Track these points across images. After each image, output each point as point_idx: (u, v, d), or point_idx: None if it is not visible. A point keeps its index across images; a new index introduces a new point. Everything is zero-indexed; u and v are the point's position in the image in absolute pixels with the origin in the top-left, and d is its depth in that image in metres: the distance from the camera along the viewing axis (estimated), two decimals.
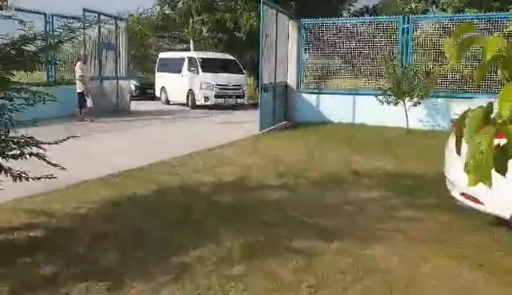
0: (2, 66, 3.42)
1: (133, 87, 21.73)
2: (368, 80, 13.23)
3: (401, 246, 4.05)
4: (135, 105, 17.40)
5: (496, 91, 11.26)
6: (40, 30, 3.63)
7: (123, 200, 5.36)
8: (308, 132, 11.41)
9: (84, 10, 12.76)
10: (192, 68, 17.93)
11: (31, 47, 3.52)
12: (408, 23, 12.36)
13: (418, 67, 11.44)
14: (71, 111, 12.70)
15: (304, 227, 4.46)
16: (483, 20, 11.66)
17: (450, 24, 12.17)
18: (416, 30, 12.34)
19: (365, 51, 13.05)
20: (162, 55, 21.12)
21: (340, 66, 13.79)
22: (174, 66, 18.96)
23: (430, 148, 9.24)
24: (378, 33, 12.75)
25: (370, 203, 5.41)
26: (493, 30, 11.54)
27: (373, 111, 12.05)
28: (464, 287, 3.40)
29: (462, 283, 3.45)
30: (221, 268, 3.54)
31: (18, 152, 3.67)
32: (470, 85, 11.77)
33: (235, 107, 17.59)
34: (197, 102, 17.46)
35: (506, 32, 11.15)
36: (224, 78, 17.61)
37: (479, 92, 11.52)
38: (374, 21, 13.17)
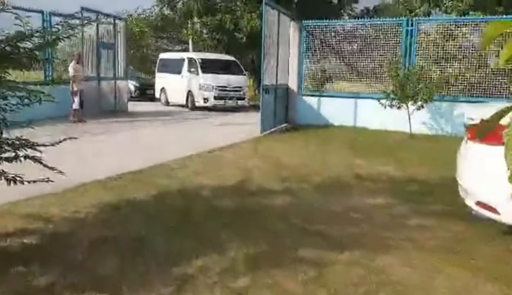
0: None
1: (132, 88, 21.57)
2: (370, 83, 13.07)
3: (413, 256, 3.87)
4: (134, 106, 17.24)
5: (504, 95, 11.15)
6: (37, 27, 3.42)
7: (122, 204, 5.18)
8: (309, 135, 11.24)
9: (82, 8, 12.53)
10: (192, 69, 17.71)
11: (27, 44, 3.34)
12: (411, 25, 12.21)
13: (422, 70, 11.27)
14: (67, 112, 12.46)
15: (310, 235, 4.28)
16: (488, 24, 11.48)
17: (454, 27, 12.02)
18: (419, 33, 12.20)
19: (367, 54, 12.90)
20: (163, 55, 20.91)
21: (342, 69, 13.63)
22: (174, 67, 18.73)
23: (434, 153, 9.10)
24: (381, 36, 12.59)
25: (377, 209, 5.24)
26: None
27: (375, 115, 11.90)
28: None
29: None
30: (225, 279, 3.35)
31: (13, 154, 3.48)
32: (475, 89, 11.61)
33: (235, 109, 17.37)
34: (196, 104, 17.25)
35: None
36: (224, 79, 17.36)
37: (484, 96, 11.38)
38: (377, 23, 13.00)
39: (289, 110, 13.61)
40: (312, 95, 13.63)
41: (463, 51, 11.82)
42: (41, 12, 12.86)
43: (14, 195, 4.53)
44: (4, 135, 3.53)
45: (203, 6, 19.84)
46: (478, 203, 4.14)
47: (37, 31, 3.38)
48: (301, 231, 4.41)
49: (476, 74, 11.68)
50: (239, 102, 17.63)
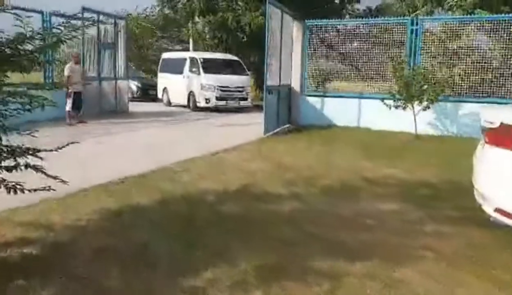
0: None
1: (134, 88, 21.36)
2: (374, 83, 12.90)
3: (431, 266, 3.71)
4: (135, 107, 17.11)
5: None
6: (38, 28, 3.24)
7: (124, 210, 5.00)
8: (313, 136, 11.08)
9: (83, 8, 12.38)
10: (193, 69, 17.44)
11: (28, 46, 3.18)
12: (416, 24, 12.04)
13: (428, 69, 11.10)
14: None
15: (322, 243, 4.11)
16: (494, 22, 11.32)
17: (459, 26, 11.85)
18: (424, 32, 12.02)
19: (371, 54, 12.73)
20: (165, 55, 20.61)
21: (345, 68, 13.46)
22: (176, 67, 18.44)
23: (441, 154, 8.95)
24: (385, 35, 12.42)
25: (389, 215, 5.07)
26: (502, 32, 11.25)
27: (379, 115, 11.72)
28: None
29: None
30: (236, 293, 3.18)
31: (13, 163, 3.30)
32: (481, 89, 11.44)
33: (238, 109, 17.10)
34: (198, 105, 16.98)
35: None
36: (227, 79, 17.05)
37: (491, 96, 11.23)
38: (381, 23, 12.82)
39: (292, 111, 13.45)
40: (315, 96, 13.47)
41: (468, 50, 11.66)
42: (41, 12, 12.65)
43: (13, 201, 4.33)
44: (4, 140, 3.35)
45: (205, 5, 19.62)
46: (497, 210, 3.96)
47: (38, 33, 3.20)
48: (312, 239, 4.24)
49: (482, 74, 11.51)
50: (242, 102, 17.33)
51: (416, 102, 10.71)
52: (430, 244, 4.21)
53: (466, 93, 11.60)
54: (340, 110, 12.92)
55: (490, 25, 11.35)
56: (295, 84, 13.51)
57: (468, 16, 12.54)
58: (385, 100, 11.02)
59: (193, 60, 17.75)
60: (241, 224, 4.60)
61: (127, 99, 16.52)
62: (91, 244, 3.99)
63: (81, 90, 12.63)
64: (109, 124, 12.56)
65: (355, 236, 4.33)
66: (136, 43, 26.04)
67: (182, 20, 22.88)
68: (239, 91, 17.26)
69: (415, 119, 10.88)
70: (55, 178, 3.52)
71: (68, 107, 12.20)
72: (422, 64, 11.52)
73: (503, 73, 11.32)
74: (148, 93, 21.35)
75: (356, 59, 13.05)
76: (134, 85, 21.46)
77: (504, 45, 11.26)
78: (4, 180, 3.40)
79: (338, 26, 13.73)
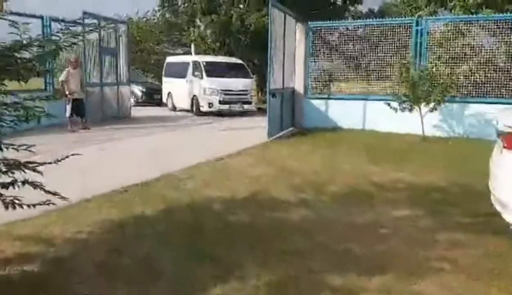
0: None
1: (139, 93, 21.16)
2: (379, 85, 12.72)
3: (450, 279, 3.53)
4: (139, 112, 16.96)
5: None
6: (36, 35, 3.06)
7: (128, 221, 4.84)
8: (318, 139, 10.90)
9: (84, 13, 12.24)
10: (196, 73, 17.13)
11: (25, 54, 3.02)
12: (421, 25, 11.87)
13: (435, 70, 10.92)
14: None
15: (335, 256, 3.94)
16: (500, 22, 11.14)
17: (465, 26, 11.67)
18: (430, 33, 11.85)
19: (375, 55, 12.55)
20: (169, 59, 20.27)
21: (349, 70, 13.29)
22: (180, 71, 18.10)
23: (450, 156, 8.78)
24: (390, 36, 12.24)
25: (403, 223, 4.89)
26: (509, 31, 11.07)
27: (384, 117, 11.53)
28: None
29: None
30: None
31: (9, 179, 3.14)
32: (488, 90, 11.25)
33: (242, 113, 16.81)
34: (201, 109, 16.66)
35: None
36: (230, 83, 16.70)
37: (498, 96, 11.06)
38: (386, 24, 12.65)
39: (295, 114, 13.29)
40: (319, 98, 13.30)
41: (475, 50, 11.48)
42: (41, 18, 12.50)
43: (12, 213, 4.17)
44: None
45: (206, 5, 19.43)
46: None
47: (36, 40, 3.04)
48: (323, 250, 4.07)
49: (489, 74, 11.33)
50: (246, 106, 16.96)
51: (423, 104, 10.53)
52: (446, 254, 4.04)
53: (472, 93, 11.40)
54: (344, 113, 12.75)
55: (495, 24, 11.16)
56: (299, 87, 13.35)
57: (474, 16, 12.35)
58: (391, 103, 10.83)
59: (196, 64, 17.45)
60: (249, 234, 4.43)
61: (129, 104, 16.36)
62: (94, 258, 3.83)
63: (81, 96, 12.42)
64: (112, 130, 12.41)
65: (368, 247, 4.16)
66: (138, 47, 25.90)
67: (183, 23, 22.71)
68: (243, 94, 16.91)
69: (422, 121, 10.70)
70: (54, 194, 3.35)
71: (68, 113, 12.04)
72: (428, 65, 11.33)
73: (510, 73, 11.14)
74: (152, 97, 21.05)
75: (360, 61, 12.88)
76: (138, 90, 21.26)
77: (510, 45, 11.08)
78: (1, 195, 3.23)
79: (341, 27, 13.57)
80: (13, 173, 3.17)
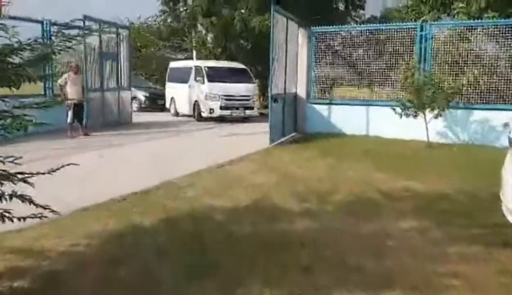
0: None
1: (142, 98, 21.01)
2: (383, 90, 12.55)
3: None
4: (141, 117, 16.87)
5: None
6: (27, 38, 2.88)
7: (126, 232, 4.67)
8: (321, 145, 10.73)
9: (85, 17, 12.09)
10: (198, 78, 16.89)
11: (15, 59, 2.85)
12: (426, 30, 11.70)
13: (440, 76, 10.74)
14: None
15: (342, 271, 3.75)
16: (504, 27, 10.98)
17: (470, 31, 11.51)
18: (434, 38, 11.68)
19: (379, 60, 12.38)
20: (172, 64, 20.09)
21: (352, 75, 13.11)
22: (183, 76, 17.88)
23: (456, 164, 8.60)
24: (394, 41, 12.08)
25: (411, 235, 4.70)
26: None
27: (388, 123, 11.37)
28: None
29: None
30: None
31: None
32: (493, 96, 11.07)
33: (244, 118, 16.57)
34: (203, 114, 16.44)
35: None
36: (232, 88, 16.42)
37: (503, 102, 10.89)
38: (389, 29, 12.49)
39: (298, 119, 13.13)
40: (321, 103, 13.14)
41: (480, 55, 11.31)
42: (41, 22, 12.35)
43: (4, 224, 4.01)
44: None
45: (207, 6, 19.24)
46: None
47: (27, 44, 2.87)
48: (329, 265, 3.88)
49: (494, 80, 11.15)
50: (248, 112, 16.67)
51: (428, 110, 10.35)
52: (457, 269, 3.86)
53: (476, 100, 11.22)
54: (347, 118, 12.59)
55: (500, 29, 11.00)
56: (301, 92, 13.20)
57: (479, 21, 12.20)
58: (396, 109, 10.67)
59: (197, 69, 17.24)
60: (252, 247, 4.24)
61: (130, 110, 16.22)
62: (90, 273, 3.66)
63: (82, 102, 12.27)
64: (112, 136, 12.25)
65: (376, 261, 3.97)
66: (140, 53, 25.77)
67: (185, 28, 22.56)
68: (245, 100, 16.62)
69: (426, 127, 10.52)
70: (44, 207, 3.17)
71: (69, 119, 11.90)
72: (432, 71, 11.16)
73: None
74: (156, 103, 20.82)
75: (364, 66, 12.71)
76: (141, 95, 21.11)
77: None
78: None
79: (344, 32, 13.41)
80: (1, 184, 2.99)
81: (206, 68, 16.89)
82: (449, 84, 10.78)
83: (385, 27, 12.78)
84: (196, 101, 16.83)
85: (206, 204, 5.78)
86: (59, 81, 12.04)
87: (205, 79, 16.49)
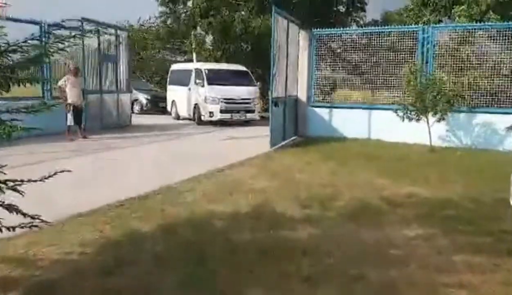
0: None
1: (144, 101, 20.88)
2: (385, 93, 12.42)
3: None
4: (141, 120, 16.71)
5: None
6: (15, 40, 2.75)
7: (124, 239, 4.52)
8: (322, 149, 10.58)
9: (83, 19, 11.99)
10: (198, 81, 16.63)
11: (3, 61, 2.72)
12: (428, 33, 11.58)
13: (443, 79, 10.61)
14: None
15: (346, 282, 3.60)
16: (507, 30, 10.85)
17: (473, 34, 11.39)
18: (436, 41, 11.56)
19: (381, 63, 12.25)
20: (174, 67, 19.86)
21: (354, 78, 12.98)
22: (183, 79, 17.61)
23: (461, 169, 8.46)
24: (395, 44, 11.96)
25: (415, 243, 4.56)
26: None
27: (390, 126, 11.25)
28: None
29: None
30: None
31: None
32: (497, 99, 10.94)
33: (245, 122, 16.29)
34: (202, 118, 16.19)
35: None
36: (232, 91, 16.14)
37: (503, 106, 10.76)
38: (391, 31, 12.37)
39: (299, 123, 13.01)
40: (322, 106, 13.03)
41: (482, 58, 11.19)
42: (39, 23, 12.22)
43: None
44: None
45: (205, 7, 19.11)
46: None
47: (16, 45, 2.73)
48: (333, 275, 3.74)
49: (496, 83, 11.02)
50: (249, 115, 16.34)
51: (431, 114, 10.22)
52: (464, 279, 3.72)
53: (479, 103, 11.09)
54: (349, 122, 12.46)
55: (503, 32, 10.87)
56: (302, 95, 13.08)
57: (482, 24, 12.09)
58: (398, 112, 10.54)
59: (197, 71, 16.98)
60: (253, 256, 4.09)
61: (129, 112, 16.08)
62: (84, 284, 3.51)
63: (81, 104, 12.16)
64: (110, 139, 12.12)
65: (380, 271, 3.83)
66: (139, 55, 25.66)
67: (184, 30, 22.43)
68: (246, 103, 16.30)
69: (429, 131, 10.39)
70: (33, 217, 3.02)
71: (68, 122, 11.78)
72: (436, 73, 11.03)
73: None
74: (158, 106, 20.62)
75: (365, 69, 12.58)
76: (143, 97, 20.97)
77: None
78: None
79: (345, 35, 13.30)
80: None
81: (206, 71, 16.62)
82: (452, 87, 10.65)
83: (387, 30, 12.66)
84: (196, 104, 16.60)
85: (206, 209, 5.64)
86: (58, 83, 11.95)
87: (205, 82, 16.23)
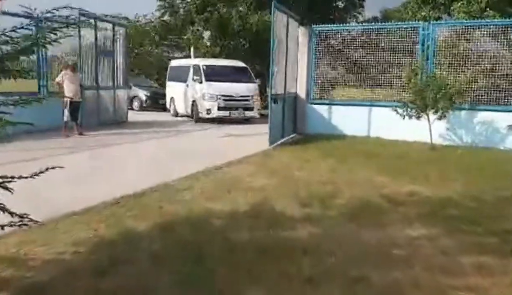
0: None
1: (143, 98, 20.69)
2: (385, 91, 12.29)
3: None
4: (140, 116, 16.59)
5: None
6: (19, 35, 2.63)
7: (119, 239, 4.39)
8: (321, 146, 10.47)
9: (80, 13, 11.80)
10: (195, 77, 16.31)
11: None
12: (428, 29, 11.45)
13: (443, 76, 10.49)
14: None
15: (348, 284, 3.47)
16: (508, 27, 10.74)
17: (474, 30, 11.27)
18: (437, 38, 11.43)
19: (381, 60, 12.11)
20: (173, 63, 19.59)
21: (353, 75, 12.82)
22: (182, 75, 17.30)
23: (462, 167, 8.36)
24: (396, 41, 11.83)
25: (419, 243, 4.44)
26: None
27: (390, 124, 11.12)
28: None
29: None
30: None
31: None
32: (498, 96, 10.82)
33: (245, 119, 15.98)
34: (200, 115, 15.84)
35: None
36: (230, 88, 15.79)
37: (505, 104, 10.65)
38: (392, 28, 12.24)
39: (298, 120, 12.87)
40: (322, 104, 12.89)
41: (484, 56, 11.07)
42: (35, 18, 11.99)
43: None
44: None
45: (201, 3, 18.94)
46: None
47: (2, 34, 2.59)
48: (335, 277, 3.61)
49: (498, 81, 10.91)
50: (247, 113, 15.97)
51: (432, 111, 10.10)
52: (472, 282, 3.60)
53: (481, 101, 10.97)
54: (348, 119, 12.33)
55: (504, 29, 10.76)
56: (301, 92, 12.94)
57: (483, 20, 11.97)
58: (398, 110, 10.41)
59: (196, 68, 16.66)
60: (253, 256, 3.96)
61: (126, 108, 15.91)
62: (77, 286, 3.37)
63: (79, 100, 12.02)
64: (107, 135, 11.98)
65: (383, 273, 3.71)
66: (137, 50, 25.45)
67: (180, 23, 22.26)
68: (245, 100, 15.92)
69: (430, 129, 10.26)
70: (21, 216, 2.88)
71: (65, 118, 11.63)
72: (436, 71, 10.91)
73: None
74: (158, 102, 20.37)
75: (365, 66, 12.44)
76: (143, 94, 20.77)
77: None
78: None
79: (345, 31, 13.16)
80: None
81: (204, 67, 16.32)
82: (453, 84, 10.53)
83: (388, 26, 12.52)
84: (194, 101, 16.30)
85: (204, 207, 5.51)
86: (56, 79, 11.82)
87: (203, 78, 15.93)
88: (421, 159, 9.11)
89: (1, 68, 2.66)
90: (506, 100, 10.73)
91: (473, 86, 11.02)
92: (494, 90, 10.86)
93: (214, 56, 19.59)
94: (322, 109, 12.84)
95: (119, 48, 15.22)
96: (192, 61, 18.16)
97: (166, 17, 23.56)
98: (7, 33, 2.59)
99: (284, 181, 7.08)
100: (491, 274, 3.76)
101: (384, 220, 5.17)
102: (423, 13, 17.85)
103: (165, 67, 20.77)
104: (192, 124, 15.54)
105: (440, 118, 10.19)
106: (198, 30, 20.87)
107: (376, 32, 12.42)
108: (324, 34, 12.80)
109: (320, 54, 12.83)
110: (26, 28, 2.75)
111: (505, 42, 10.89)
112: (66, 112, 11.60)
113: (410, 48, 11.66)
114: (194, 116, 16.28)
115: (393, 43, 11.87)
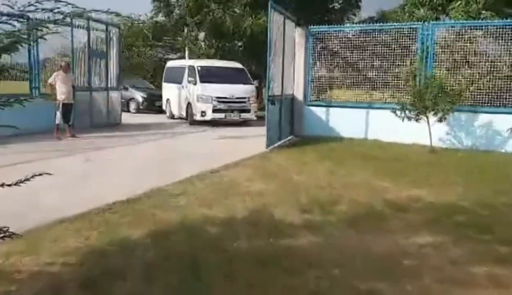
0: None
1: (140, 99, 20.40)
2: (383, 92, 12.10)
3: None
4: (134, 119, 16.31)
5: None
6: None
7: (111, 248, 4.15)
8: (319, 149, 10.26)
9: (73, 14, 11.54)
10: (190, 79, 15.93)
11: None
12: (428, 30, 11.28)
13: (443, 78, 10.31)
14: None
15: None
16: (508, 28, 10.58)
17: (474, 31, 11.11)
18: (436, 38, 11.26)
19: (379, 61, 11.94)
20: (169, 64, 19.20)
21: (351, 77, 12.62)
22: (177, 77, 16.91)
23: (465, 171, 8.17)
24: (394, 42, 11.65)
25: (427, 252, 4.23)
26: None
27: (388, 126, 10.94)
28: None
29: None
30: None
31: None
32: (498, 98, 10.65)
33: (242, 122, 15.65)
34: (195, 117, 15.46)
35: None
36: (226, 89, 15.38)
37: (506, 106, 10.49)
38: (390, 28, 12.06)
39: (295, 122, 12.67)
40: (319, 105, 12.69)
41: (484, 57, 10.91)
42: (27, 18, 11.75)
43: None
44: None
45: (194, 6, 18.69)
46: None
47: None
48: (342, 290, 3.40)
49: (499, 82, 10.74)
50: (244, 115, 15.55)
51: (432, 114, 9.91)
52: (489, 294, 3.39)
53: (481, 103, 10.79)
54: (346, 121, 12.14)
55: (504, 30, 10.59)
56: (298, 94, 12.73)
57: (484, 21, 11.82)
58: (397, 112, 10.22)
59: (191, 69, 16.28)
60: (252, 267, 3.74)
61: (120, 110, 15.63)
62: None
63: (72, 101, 11.75)
64: (100, 138, 11.72)
65: (393, 285, 3.50)
66: (130, 52, 25.10)
67: (176, 27, 21.98)
68: (241, 102, 15.54)
69: (429, 132, 10.08)
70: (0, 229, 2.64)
71: (57, 120, 11.36)
72: (436, 72, 10.73)
73: None
74: (154, 104, 20.02)
75: (363, 67, 12.26)
76: (139, 96, 20.48)
77: None
78: None
79: (343, 32, 12.96)
80: None
81: (199, 68, 15.93)
82: (453, 86, 10.35)
83: (386, 27, 12.35)
84: (189, 103, 15.94)
85: (199, 214, 5.28)
86: (49, 80, 11.56)
87: (197, 80, 15.54)
88: (421, 162, 8.93)
89: None
90: (507, 102, 10.55)
91: (474, 87, 10.85)
92: (495, 92, 10.69)
93: (209, 57, 19.30)
94: (319, 111, 12.64)
95: (112, 49, 14.95)
96: (188, 62, 17.85)
97: (160, 18, 23.21)
98: None
99: (282, 185, 6.87)
100: (505, 285, 3.57)
101: (387, 227, 4.96)
102: (421, 13, 17.69)
103: (160, 68, 20.48)
104: (187, 127, 15.24)
105: (440, 120, 10.01)
106: (192, 31, 20.62)
107: (375, 33, 12.23)
108: (321, 35, 12.61)
109: (317, 56, 12.64)
110: (7, 23, 2.51)
111: (507, 43, 10.73)
112: (58, 114, 11.33)
113: (409, 49, 11.48)
114: (189, 118, 15.91)
115: (392, 44, 11.69)
